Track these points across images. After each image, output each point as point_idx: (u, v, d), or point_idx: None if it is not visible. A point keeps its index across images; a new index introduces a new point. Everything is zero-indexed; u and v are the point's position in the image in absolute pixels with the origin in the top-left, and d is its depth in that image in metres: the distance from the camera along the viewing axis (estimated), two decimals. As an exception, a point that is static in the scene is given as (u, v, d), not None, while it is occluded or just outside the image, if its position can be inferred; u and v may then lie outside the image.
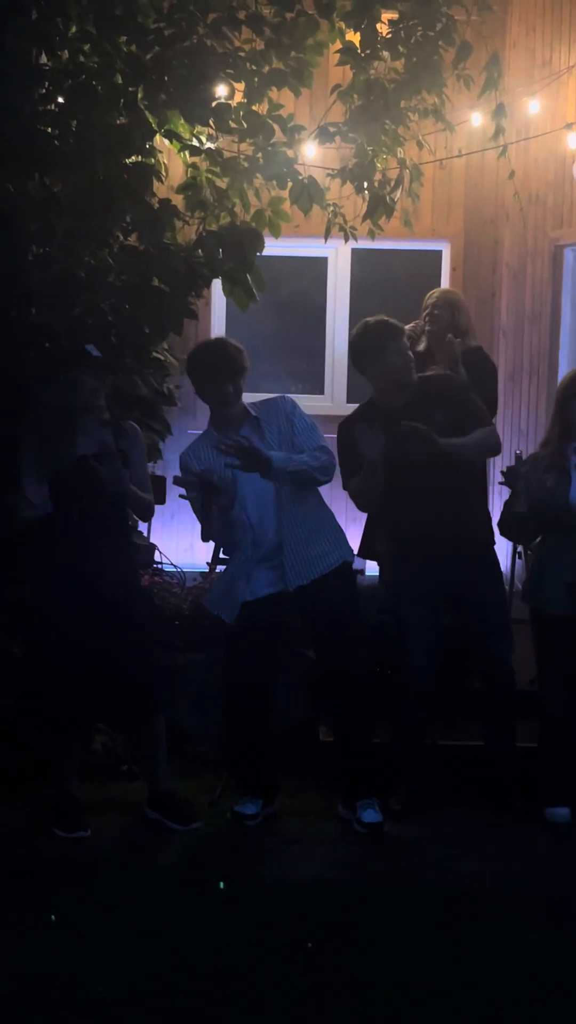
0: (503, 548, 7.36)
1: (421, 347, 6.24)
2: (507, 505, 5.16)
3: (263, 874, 4.54)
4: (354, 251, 7.88)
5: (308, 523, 4.92)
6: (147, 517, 5.18)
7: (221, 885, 4.34)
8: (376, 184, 5.95)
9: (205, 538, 4.88)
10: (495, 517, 5.24)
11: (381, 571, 5.65)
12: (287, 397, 5.07)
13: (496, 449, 5.26)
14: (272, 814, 5.06)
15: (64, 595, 4.74)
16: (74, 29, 5.34)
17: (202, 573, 6.37)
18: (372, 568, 6.06)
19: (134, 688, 4.84)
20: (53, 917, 4.09)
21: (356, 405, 5.45)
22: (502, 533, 5.25)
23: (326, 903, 4.30)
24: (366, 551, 5.81)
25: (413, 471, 4.91)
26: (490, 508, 5.42)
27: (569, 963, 3.93)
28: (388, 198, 5.95)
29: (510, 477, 5.06)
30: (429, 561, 5.02)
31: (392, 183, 6.00)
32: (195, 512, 4.84)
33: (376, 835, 4.87)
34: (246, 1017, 3.57)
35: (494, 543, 5.24)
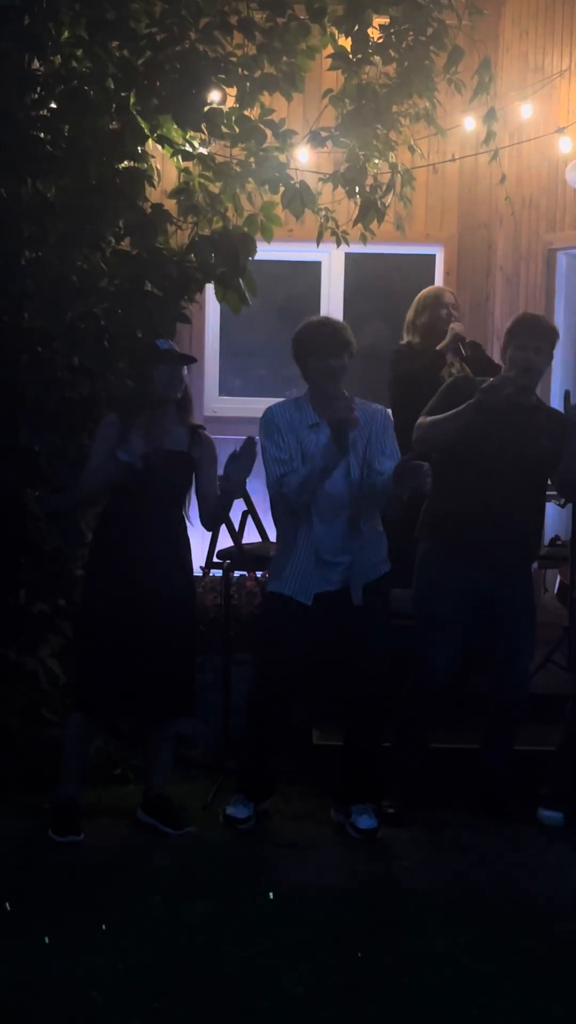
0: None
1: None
2: None
3: (256, 878, 4.53)
4: (348, 255, 7.89)
5: (372, 530, 4.88)
6: (210, 526, 5.16)
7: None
8: (368, 188, 5.96)
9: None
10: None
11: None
12: (388, 412, 4.97)
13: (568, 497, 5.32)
14: (264, 813, 5.05)
15: (121, 588, 4.75)
16: (66, 34, 5.34)
17: (197, 577, 6.36)
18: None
19: (178, 687, 4.85)
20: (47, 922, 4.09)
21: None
22: None
23: (319, 907, 4.30)
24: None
25: (491, 473, 4.89)
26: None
27: (561, 966, 3.94)
28: (380, 202, 5.96)
29: None
30: (474, 566, 4.96)
31: (384, 187, 6.01)
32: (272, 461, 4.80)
33: (371, 840, 4.87)
34: (240, 1020, 3.56)
35: (537, 555, 5.28)
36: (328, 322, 4.96)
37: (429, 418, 4.98)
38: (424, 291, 6.37)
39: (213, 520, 5.04)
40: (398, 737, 5.17)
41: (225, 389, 8.17)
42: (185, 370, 4.92)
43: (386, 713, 4.98)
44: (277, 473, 4.79)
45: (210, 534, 5.53)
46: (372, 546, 4.89)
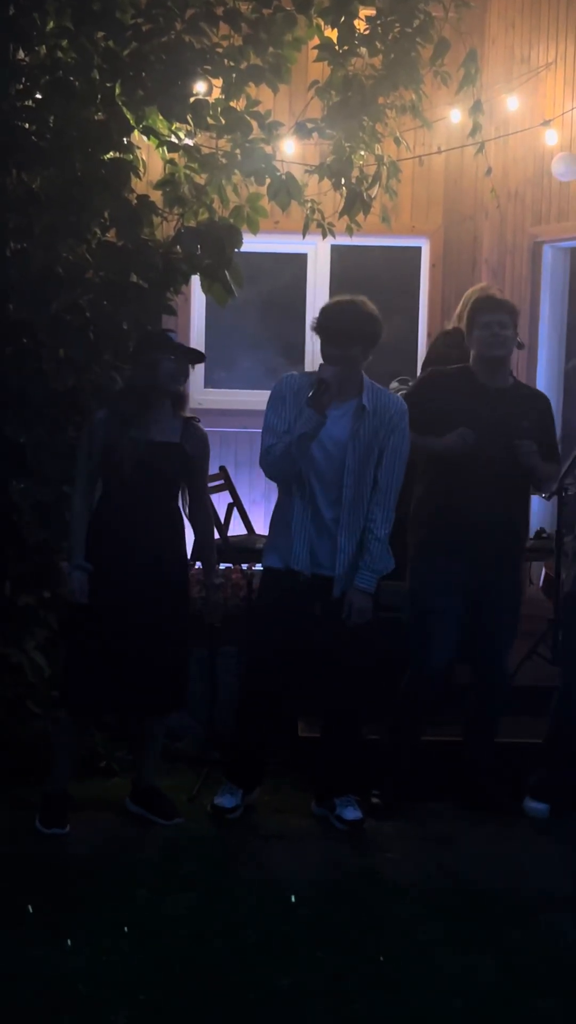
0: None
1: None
2: None
3: (243, 870, 4.53)
4: (334, 247, 7.90)
5: (361, 530, 4.83)
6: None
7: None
8: (353, 180, 5.95)
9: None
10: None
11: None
12: (404, 406, 4.83)
13: (552, 486, 5.38)
14: (251, 805, 5.05)
15: (114, 583, 4.73)
16: (52, 25, 5.33)
17: (199, 570, 6.36)
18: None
19: (169, 681, 4.84)
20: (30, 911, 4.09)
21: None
22: None
23: (305, 899, 4.30)
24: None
25: (479, 465, 4.88)
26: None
27: (546, 958, 3.95)
28: (365, 194, 5.95)
29: None
30: (467, 557, 4.96)
31: (369, 179, 6.00)
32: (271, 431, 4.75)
33: (357, 832, 4.87)
34: (226, 1013, 3.57)
35: (525, 550, 5.29)
36: (347, 307, 4.72)
37: (425, 442, 4.95)
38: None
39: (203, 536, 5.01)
40: (392, 729, 5.17)
41: (211, 381, 8.15)
42: (190, 367, 4.89)
43: (366, 706, 4.98)
44: (267, 443, 4.74)
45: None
46: (378, 549, 4.81)
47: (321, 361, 4.76)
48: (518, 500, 5.11)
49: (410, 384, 5.91)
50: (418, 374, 6.21)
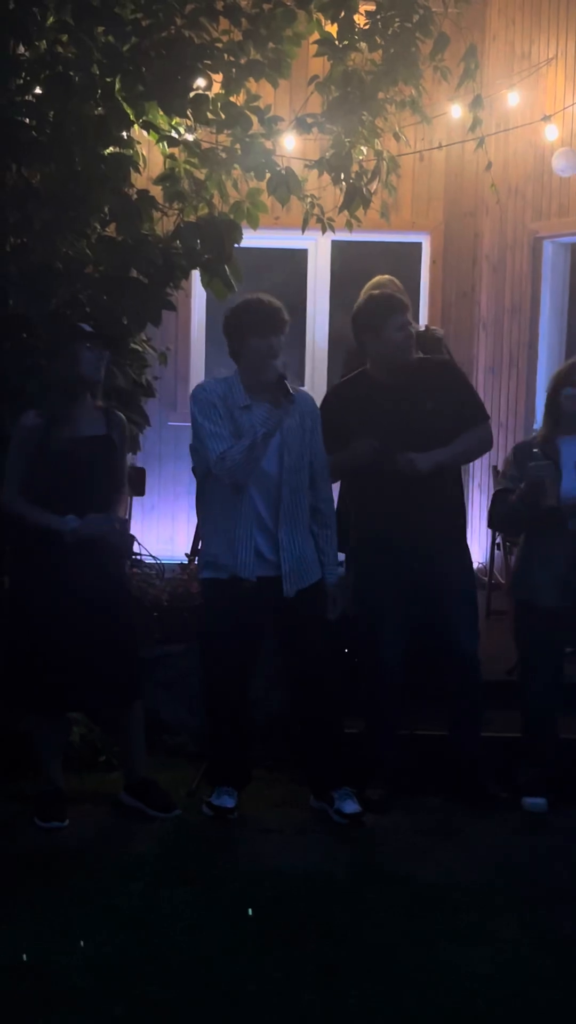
0: (482, 540, 7.40)
1: None
2: (498, 498, 5.13)
3: (239, 864, 4.54)
4: (334, 243, 7.91)
5: (304, 530, 4.87)
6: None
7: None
8: (353, 175, 5.95)
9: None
10: (478, 509, 5.23)
11: (350, 562, 5.46)
12: (312, 398, 4.96)
13: (489, 446, 5.28)
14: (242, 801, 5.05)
15: (48, 580, 4.72)
16: (51, 19, 5.34)
17: (181, 565, 6.38)
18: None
19: (116, 674, 4.83)
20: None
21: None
22: (491, 526, 5.25)
23: (301, 893, 4.30)
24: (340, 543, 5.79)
25: (388, 462, 4.89)
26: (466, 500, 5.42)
27: (542, 952, 3.95)
28: (365, 189, 5.95)
29: (533, 478, 4.90)
30: (399, 552, 4.99)
31: (369, 174, 6.01)
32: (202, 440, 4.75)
33: (356, 825, 4.87)
34: (220, 1006, 3.57)
35: (465, 535, 5.24)
36: (265, 301, 4.80)
37: (335, 459, 4.97)
38: (374, 279, 6.28)
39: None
40: (369, 727, 5.19)
41: (211, 377, 8.14)
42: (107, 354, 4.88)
43: (334, 697, 4.97)
44: (218, 449, 4.71)
45: (195, 523, 5.52)
46: (305, 544, 4.87)
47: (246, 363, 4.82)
48: (441, 487, 5.04)
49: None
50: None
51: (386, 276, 6.30)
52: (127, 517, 5.14)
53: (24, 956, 3.79)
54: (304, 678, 4.95)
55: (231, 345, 4.88)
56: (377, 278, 6.25)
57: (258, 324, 4.74)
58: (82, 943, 3.87)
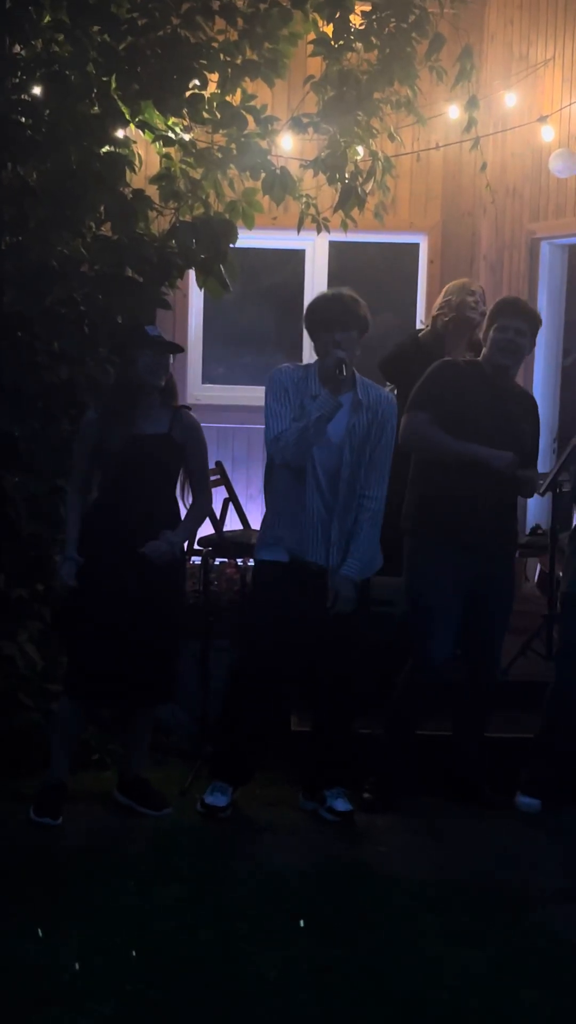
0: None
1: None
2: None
3: (231, 862, 4.54)
4: (332, 244, 7.90)
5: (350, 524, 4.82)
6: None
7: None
8: (348, 175, 5.95)
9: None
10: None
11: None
12: (394, 400, 4.88)
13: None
14: (236, 800, 5.04)
15: (111, 575, 4.74)
16: (47, 18, 5.35)
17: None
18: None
19: (162, 670, 4.85)
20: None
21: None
22: None
23: (296, 891, 4.30)
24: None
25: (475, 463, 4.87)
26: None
27: (533, 952, 3.95)
28: (360, 189, 5.95)
29: None
30: (464, 554, 4.93)
31: (364, 174, 6.01)
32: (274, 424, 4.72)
33: (347, 823, 4.88)
34: (213, 1004, 3.57)
35: (516, 551, 5.30)
36: (341, 295, 4.79)
37: (433, 434, 4.92)
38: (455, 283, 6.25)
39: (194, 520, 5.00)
40: (389, 725, 5.15)
41: (208, 377, 8.16)
42: (171, 359, 4.88)
43: (358, 699, 4.98)
44: (276, 429, 4.71)
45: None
46: (366, 540, 4.82)
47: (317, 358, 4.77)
48: (511, 497, 5.12)
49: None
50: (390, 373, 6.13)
51: (466, 279, 6.31)
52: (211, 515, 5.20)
53: (18, 954, 3.79)
54: (332, 678, 4.91)
55: (311, 338, 4.87)
56: (460, 280, 6.23)
57: (323, 318, 4.74)
58: (76, 942, 3.86)
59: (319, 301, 4.83)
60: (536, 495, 5.70)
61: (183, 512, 4.95)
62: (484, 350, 5.07)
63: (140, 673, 4.79)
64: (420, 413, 4.95)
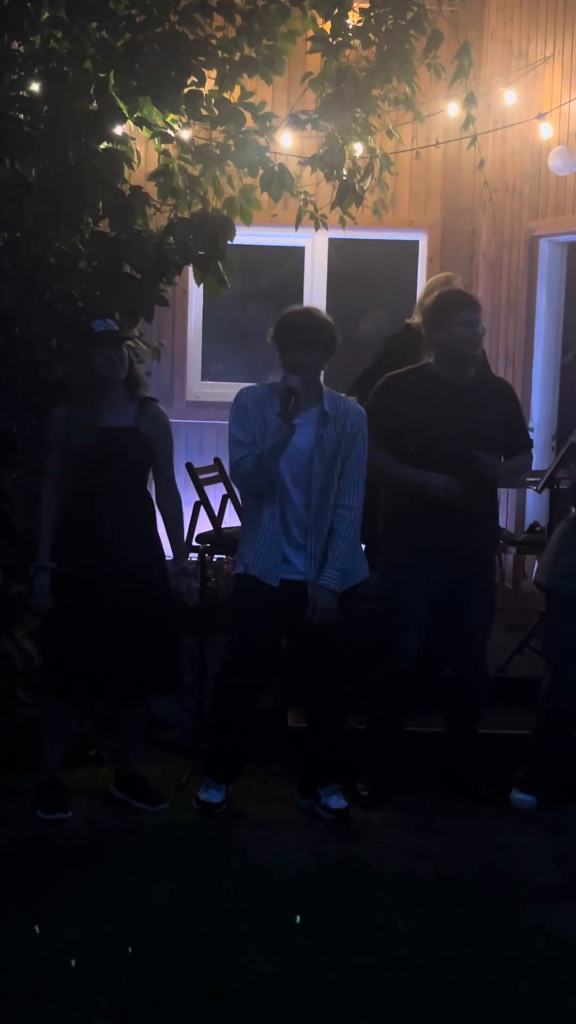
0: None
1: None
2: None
3: (227, 859, 4.54)
4: (331, 241, 7.91)
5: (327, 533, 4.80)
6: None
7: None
8: (345, 172, 5.95)
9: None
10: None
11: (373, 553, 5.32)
12: (364, 414, 4.83)
13: (529, 474, 5.30)
14: (229, 799, 5.04)
15: (88, 569, 4.74)
16: (46, 15, 5.35)
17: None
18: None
19: (156, 659, 4.84)
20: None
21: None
22: None
23: (290, 888, 4.31)
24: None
25: (446, 464, 4.85)
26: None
27: (528, 947, 3.96)
28: (358, 186, 5.95)
29: None
30: (437, 555, 4.94)
31: (363, 171, 6.01)
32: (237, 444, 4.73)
33: (343, 820, 4.88)
34: (207, 1000, 3.58)
35: (496, 546, 5.26)
36: (308, 315, 4.81)
37: (381, 458, 4.91)
38: (436, 276, 6.25)
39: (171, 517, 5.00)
40: (373, 722, 5.18)
41: (208, 374, 8.17)
42: (126, 351, 4.83)
43: (352, 698, 4.99)
44: (237, 456, 4.74)
45: (188, 518, 5.52)
46: (344, 549, 4.82)
47: (283, 373, 4.75)
48: (487, 496, 5.07)
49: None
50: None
51: (450, 273, 6.29)
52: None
53: (14, 949, 3.80)
54: (319, 682, 4.93)
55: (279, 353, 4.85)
56: (443, 274, 6.22)
57: (287, 337, 4.73)
58: (72, 937, 3.87)
59: (286, 318, 4.78)
60: (534, 491, 5.71)
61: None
62: (439, 346, 4.99)
63: (134, 667, 4.79)
64: (380, 448, 4.95)
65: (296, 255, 8.11)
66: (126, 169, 5.50)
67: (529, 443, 5.23)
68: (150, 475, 4.90)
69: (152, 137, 5.62)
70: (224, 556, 6.38)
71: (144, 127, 5.53)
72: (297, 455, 4.71)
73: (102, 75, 5.32)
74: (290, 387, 4.60)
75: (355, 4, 5.73)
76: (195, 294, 7.85)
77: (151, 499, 4.92)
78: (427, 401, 4.94)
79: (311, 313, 4.83)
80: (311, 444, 4.72)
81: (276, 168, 5.72)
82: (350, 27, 5.74)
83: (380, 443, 4.89)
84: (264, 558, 4.78)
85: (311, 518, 4.76)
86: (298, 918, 4.07)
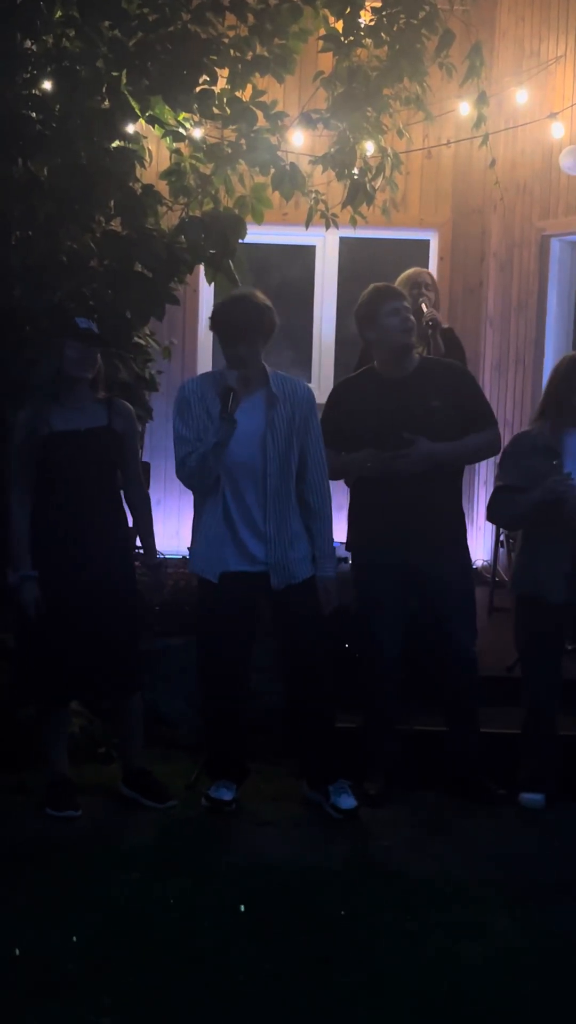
0: (487, 538, 7.41)
1: None
2: (500, 497, 5.08)
3: (235, 856, 4.55)
4: (342, 240, 7.91)
5: (294, 523, 4.81)
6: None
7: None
8: (356, 171, 5.96)
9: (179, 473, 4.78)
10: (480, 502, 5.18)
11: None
12: (311, 390, 4.86)
13: (497, 450, 5.23)
14: (239, 798, 5.04)
15: (54, 570, 4.74)
16: (58, 14, 5.37)
17: (184, 558, 6.38)
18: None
19: (117, 666, 4.86)
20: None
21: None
22: (491, 519, 5.25)
23: (296, 885, 4.31)
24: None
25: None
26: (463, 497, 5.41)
27: (534, 946, 3.96)
28: (368, 185, 5.96)
29: (559, 495, 4.85)
30: (397, 550, 4.98)
31: (373, 170, 6.02)
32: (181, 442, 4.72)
33: (352, 820, 4.87)
34: (212, 997, 3.58)
35: (464, 534, 5.22)
36: (245, 303, 4.70)
37: (332, 461, 4.94)
38: (404, 273, 6.28)
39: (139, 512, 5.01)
40: (364, 719, 5.20)
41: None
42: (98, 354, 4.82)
43: (328, 694, 4.96)
44: (181, 454, 4.72)
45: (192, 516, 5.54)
46: (300, 540, 4.82)
47: (224, 363, 4.77)
48: (440, 484, 5.04)
49: None
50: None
51: (417, 268, 6.29)
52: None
53: (18, 946, 3.80)
54: (298, 672, 4.94)
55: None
56: (411, 270, 6.23)
57: (226, 330, 4.70)
58: (76, 934, 3.88)
59: (226, 309, 4.73)
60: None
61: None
62: (374, 340, 5.01)
63: (101, 666, 4.80)
64: (331, 453, 4.98)
65: (307, 254, 8.11)
66: (138, 168, 5.52)
67: (490, 421, 5.13)
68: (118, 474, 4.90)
69: (164, 136, 5.64)
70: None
71: (156, 126, 5.55)
72: (247, 441, 4.67)
73: (114, 74, 5.34)
74: (229, 386, 4.60)
75: (367, 3, 5.75)
76: (206, 292, 7.85)
77: (120, 499, 4.92)
78: (370, 398, 4.98)
79: (251, 301, 4.72)
80: (262, 429, 4.70)
81: (287, 167, 5.73)
82: (362, 26, 5.75)
83: (327, 444, 4.92)
84: (205, 553, 4.79)
85: (268, 503, 4.74)
86: (303, 916, 4.08)
